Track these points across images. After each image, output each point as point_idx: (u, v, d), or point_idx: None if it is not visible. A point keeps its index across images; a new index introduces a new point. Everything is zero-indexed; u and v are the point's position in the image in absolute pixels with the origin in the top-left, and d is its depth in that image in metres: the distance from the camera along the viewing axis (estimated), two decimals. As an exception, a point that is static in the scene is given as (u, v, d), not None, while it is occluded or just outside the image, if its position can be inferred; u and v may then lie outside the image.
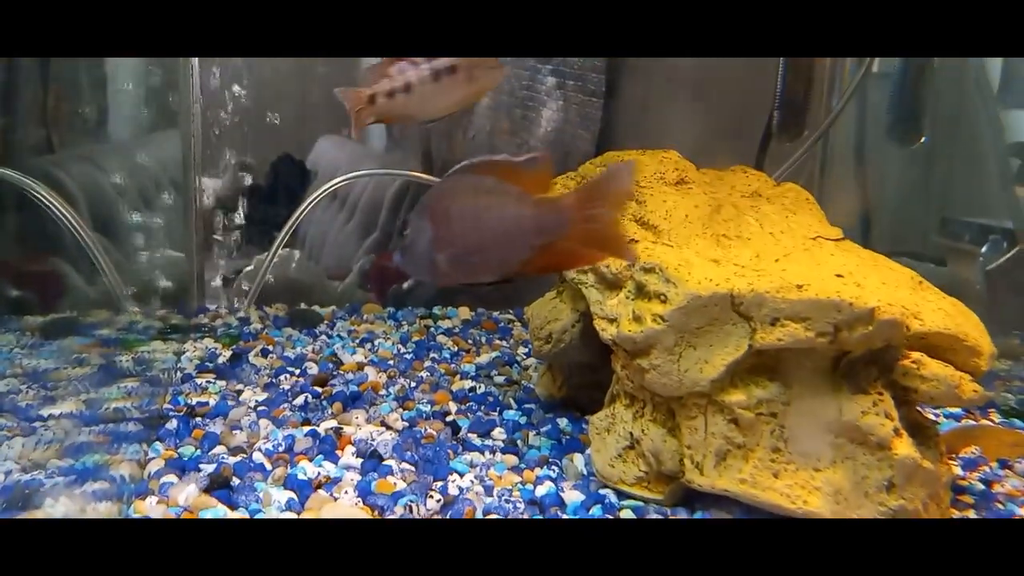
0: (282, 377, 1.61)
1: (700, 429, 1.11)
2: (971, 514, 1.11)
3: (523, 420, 1.45)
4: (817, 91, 2.20)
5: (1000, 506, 1.13)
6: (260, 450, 1.26)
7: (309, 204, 2.16)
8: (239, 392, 1.54)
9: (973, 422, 1.46)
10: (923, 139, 2.13)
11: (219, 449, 1.27)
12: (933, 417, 1.49)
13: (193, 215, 2.20)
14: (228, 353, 1.76)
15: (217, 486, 1.11)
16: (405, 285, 2.39)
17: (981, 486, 1.21)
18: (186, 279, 2.20)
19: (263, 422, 1.37)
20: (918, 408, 1.11)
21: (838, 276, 1.11)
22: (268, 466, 1.21)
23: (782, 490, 1.05)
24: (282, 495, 1.10)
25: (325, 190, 2.17)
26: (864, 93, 2.17)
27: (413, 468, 1.23)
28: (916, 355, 1.07)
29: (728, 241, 1.26)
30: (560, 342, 1.42)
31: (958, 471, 1.25)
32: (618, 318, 1.20)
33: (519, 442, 1.36)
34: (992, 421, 1.49)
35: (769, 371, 1.10)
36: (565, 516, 1.10)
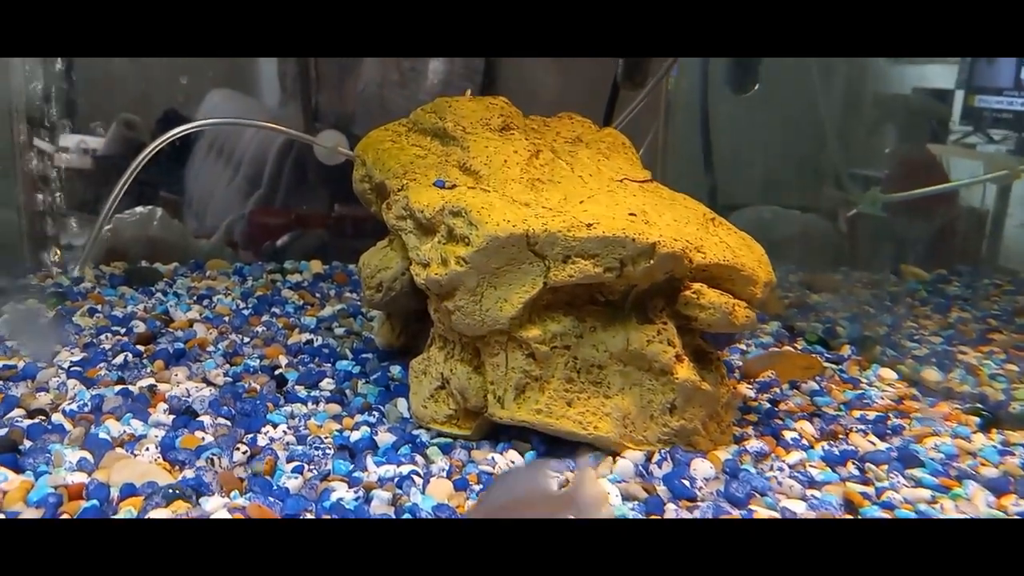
0: (103, 336, 1.55)
1: (501, 365, 1.14)
2: (750, 430, 1.20)
3: (356, 370, 1.46)
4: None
5: (779, 421, 1.23)
6: (63, 411, 1.21)
7: (146, 155, 2.05)
8: (56, 353, 1.47)
9: (777, 350, 1.57)
10: (756, 86, 2.23)
11: (17, 412, 1.21)
12: (744, 347, 1.59)
13: (18, 171, 2.07)
14: (51, 314, 1.67)
15: (2, 450, 1.07)
16: (279, 242, 2.33)
17: (768, 405, 1.31)
18: (12, 238, 2.08)
19: (71, 382, 1.31)
20: (701, 337, 1.18)
21: (631, 215, 1.16)
22: (68, 427, 1.17)
23: (575, 418, 1.11)
24: (75, 455, 1.06)
25: (169, 137, 2.07)
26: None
27: (228, 422, 1.21)
28: (697, 286, 1.14)
29: (542, 185, 1.29)
30: (391, 290, 1.42)
31: (750, 393, 1.35)
32: (430, 262, 1.21)
33: (347, 391, 1.36)
34: (796, 348, 1.60)
35: (564, 306, 1.15)
36: (376, 459, 1.11)
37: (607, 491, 0.98)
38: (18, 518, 0.78)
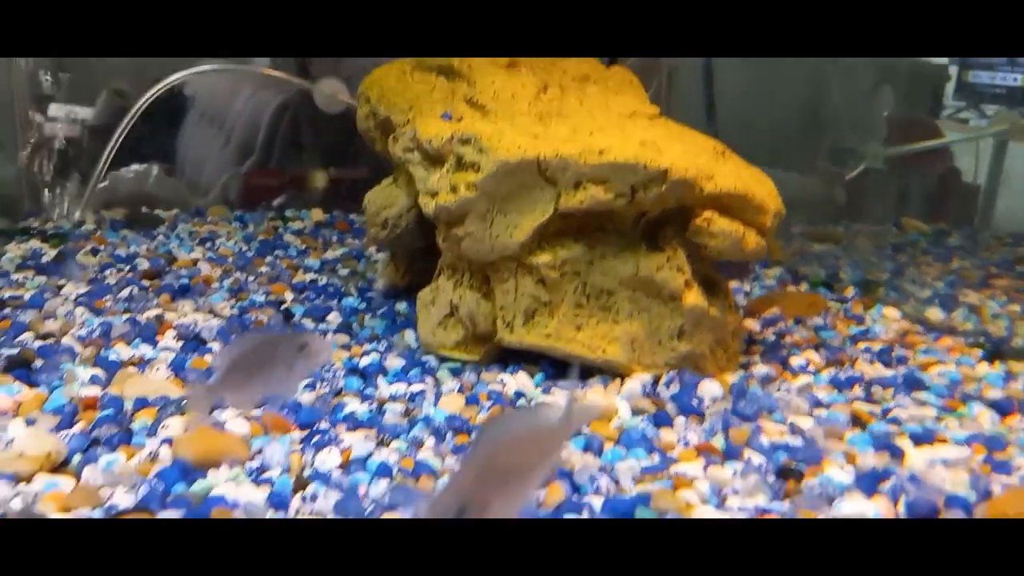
0: (108, 272, 1.55)
1: (511, 291, 1.15)
2: (757, 358, 1.22)
3: (362, 306, 1.46)
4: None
5: (784, 352, 1.24)
6: (73, 336, 1.22)
7: (146, 101, 2.05)
8: (60, 287, 1.47)
9: (781, 290, 1.58)
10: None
11: (27, 336, 1.21)
12: (747, 289, 1.60)
13: (16, 127, 2.07)
14: (53, 252, 1.67)
15: (15, 366, 1.07)
16: (276, 202, 2.32)
17: (773, 338, 1.32)
18: (12, 186, 2.08)
19: (80, 311, 1.32)
20: (710, 265, 1.19)
21: (641, 144, 1.15)
22: (79, 350, 1.17)
23: (584, 341, 1.12)
24: (87, 373, 1.07)
25: (164, 85, 2.07)
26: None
27: (237, 349, 1.21)
28: (708, 214, 1.14)
29: (550, 119, 1.28)
30: (396, 227, 1.42)
31: (756, 327, 1.36)
32: (439, 191, 1.21)
33: (354, 324, 1.37)
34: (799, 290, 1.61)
35: (574, 233, 1.15)
36: (387, 380, 1.11)
37: (600, 405, 0.98)
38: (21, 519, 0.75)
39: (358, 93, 1.52)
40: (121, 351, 1.17)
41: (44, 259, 1.63)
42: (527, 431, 0.59)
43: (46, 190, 2.12)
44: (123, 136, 2.05)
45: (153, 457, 0.86)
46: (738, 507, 0.78)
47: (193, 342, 1.22)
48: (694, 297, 1.12)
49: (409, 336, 1.30)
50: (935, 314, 1.46)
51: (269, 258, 1.73)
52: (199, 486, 0.81)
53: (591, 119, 1.27)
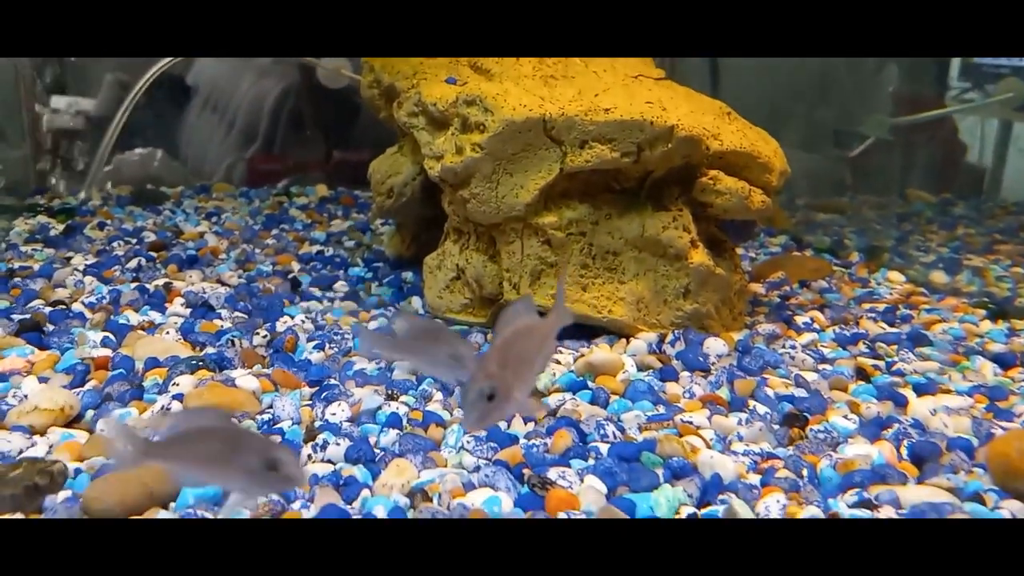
0: (116, 244, 1.56)
1: (517, 252, 1.15)
2: (762, 318, 1.22)
3: (368, 275, 1.47)
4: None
5: (788, 312, 1.25)
6: (82, 303, 1.23)
7: (136, 93, 2.07)
8: (69, 259, 1.48)
9: (786, 254, 1.58)
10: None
11: (37, 303, 1.22)
12: (753, 255, 1.60)
13: (24, 119, 2.08)
14: (61, 227, 1.68)
15: (27, 330, 1.08)
16: (280, 185, 2.33)
17: (779, 300, 1.32)
18: (18, 167, 2.10)
19: (88, 279, 1.33)
20: (716, 226, 1.19)
21: (647, 103, 1.16)
22: (89, 315, 1.18)
23: (589, 302, 1.12)
24: (98, 336, 1.08)
25: (153, 74, 2.09)
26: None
27: (245, 316, 1.22)
28: (714, 172, 1.14)
29: (555, 81, 1.28)
30: (402, 196, 1.42)
31: (761, 290, 1.37)
32: (444, 154, 1.21)
33: (361, 292, 1.37)
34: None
35: (580, 194, 1.15)
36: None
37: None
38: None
39: (362, 61, 1.52)
40: (130, 316, 1.18)
41: (52, 233, 1.64)
42: (526, 326, 0.70)
43: (51, 167, 2.14)
44: (124, 122, 2.08)
45: (165, 411, 0.87)
46: (743, 452, 0.79)
47: (202, 308, 1.23)
48: (700, 256, 1.12)
49: (416, 303, 1.31)
50: (939, 277, 1.47)
51: (275, 231, 1.74)
52: (211, 437, 0.82)
53: (597, 81, 1.27)
